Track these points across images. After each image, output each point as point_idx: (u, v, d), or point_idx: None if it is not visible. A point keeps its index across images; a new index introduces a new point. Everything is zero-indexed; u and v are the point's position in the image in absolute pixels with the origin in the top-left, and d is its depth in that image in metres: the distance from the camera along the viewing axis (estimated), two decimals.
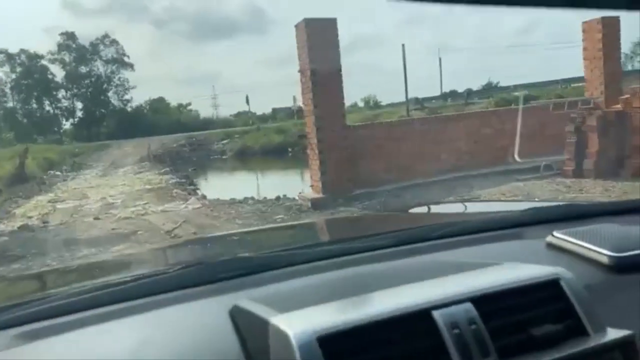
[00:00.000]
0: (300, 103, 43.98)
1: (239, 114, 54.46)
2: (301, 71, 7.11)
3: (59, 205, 10.93)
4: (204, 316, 0.77)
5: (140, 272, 1.03)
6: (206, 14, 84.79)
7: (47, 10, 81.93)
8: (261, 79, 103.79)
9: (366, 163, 7.26)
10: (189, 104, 54.42)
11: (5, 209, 11.47)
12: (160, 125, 42.88)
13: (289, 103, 42.85)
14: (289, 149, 28.87)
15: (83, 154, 29.47)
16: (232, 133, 33.85)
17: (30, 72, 45.83)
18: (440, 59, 54.40)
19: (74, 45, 46.76)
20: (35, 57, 45.98)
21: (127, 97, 49.36)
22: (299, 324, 0.63)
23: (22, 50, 45.62)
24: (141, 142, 31.04)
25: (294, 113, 42.95)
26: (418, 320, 0.65)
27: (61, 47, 46.58)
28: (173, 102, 53.09)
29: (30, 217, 9.46)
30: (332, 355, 0.60)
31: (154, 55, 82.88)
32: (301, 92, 7.26)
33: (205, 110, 56.86)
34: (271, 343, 0.64)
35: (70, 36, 46.76)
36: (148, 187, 13.52)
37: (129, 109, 48.99)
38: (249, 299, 0.75)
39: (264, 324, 0.66)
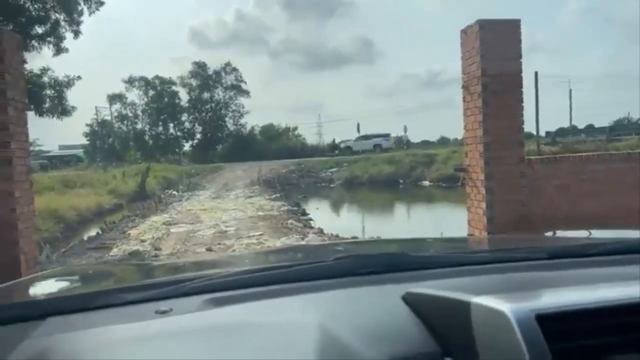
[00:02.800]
0: (405, 132, 42.34)
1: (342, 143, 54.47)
2: (465, 87, 5.63)
3: (172, 229, 10.46)
4: (378, 300, 0.85)
5: (306, 260, 1.24)
6: (318, 45, 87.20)
7: (176, 41, 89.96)
8: (363, 109, 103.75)
9: (545, 208, 5.52)
10: (296, 128, 55.35)
11: (122, 228, 11.32)
12: (269, 150, 43.79)
13: (391, 133, 41.66)
14: (400, 181, 27.34)
15: (198, 175, 30.50)
16: (341, 162, 33.10)
17: (161, 96, 49.70)
18: (570, 91, 48.96)
19: (202, 73, 50.01)
20: (167, 83, 49.85)
21: (241, 122, 51.46)
22: (512, 303, 0.64)
23: (157, 77, 49.78)
24: (252, 166, 31.48)
25: (404, 143, 41.62)
26: (631, 313, 0.65)
27: (192, 74, 50.09)
28: (282, 128, 54.37)
29: (143, 241, 8.97)
30: (550, 335, 0.60)
31: (267, 83, 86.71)
32: (463, 114, 5.75)
33: (311, 138, 57.36)
34: (475, 322, 0.66)
35: (200, 65, 50.19)
36: (261, 213, 12.79)
37: (242, 134, 50.91)
38: (422, 288, 0.82)
39: (460, 305, 0.68)
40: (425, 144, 46.63)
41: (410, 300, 0.79)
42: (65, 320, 0.82)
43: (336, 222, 13.41)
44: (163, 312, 0.81)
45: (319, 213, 15.04)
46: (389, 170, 28.16)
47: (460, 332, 0.67)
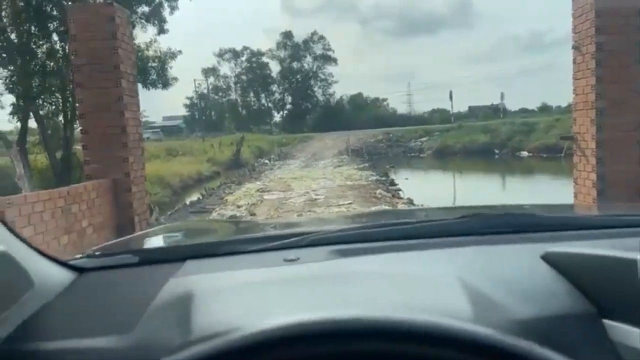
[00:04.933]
0: (502, 100, 39.55)
1: (434, 112, 52.55)
2: (576, 47, 5.12)
3: (265, 196, 10.90)
4: (515, 258, 0.83)
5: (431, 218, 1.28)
6: (410, 10, 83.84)
7: (268, 11, 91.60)
8: (457, 76, 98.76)
9: None
10: (385, 99, 54.45)
11: (220, 194, 12.02)
12: (358, 119, 43.59)
13: (486, 101, 39.28)
14: (496, 151, 25.95)
15: (288, 145, 31.32)
16: (431, 131, 32.12)
17: (252, 68, 51.29)
18: None
19: (289, 43, 50.70)
20: (257, 54, 51.27)
21: (330, 91, 51.63)
22: None
23: (245, 48, 51.31)
24: (340, 136, 31.63)
25: (501, 111, 39.25)
26: None
27: (279, 45, 51.02)
28: (370, 97, 53.74)
29: (239, 207, 9.46)
30: None
31: (356, 51, 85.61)
32: (572, 77, 5.25)
33: (400, 107, 56.13)
34: None
35: (287, 35, 50.89)
36: (349, 183, 12.87)
37: (331, 103, 51.15)
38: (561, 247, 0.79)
39: (623, 263, 0.65)
40: (524, 112, 43.66)
41: (553, 260, 0.77)
42: (201, 263, 0.89)
43: (426, 192, 13.11)
44: (291, 260, 0.85)
45: (408, 183, 14.80)
46: (484, 140, 26.83)
47: (622, 293, 0.65)
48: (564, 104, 34.13)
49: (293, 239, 0.95)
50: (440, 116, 45.80)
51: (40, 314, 0.72)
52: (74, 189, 4.36)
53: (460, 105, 53.47)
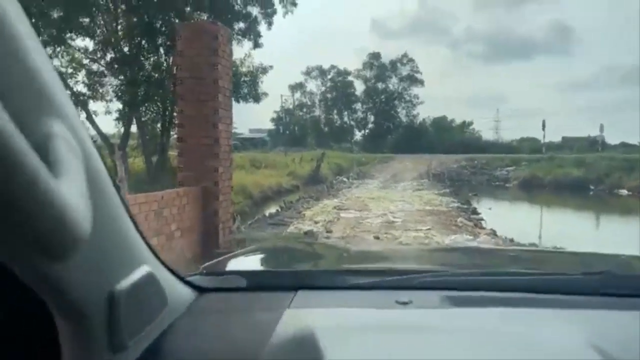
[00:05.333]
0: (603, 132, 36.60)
1: (523, 140, 50.04)
2: None
3: (342, 214, 10.91)
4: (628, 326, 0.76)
5: (546, 270, 1.16)
6: (504, 34, 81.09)
7: (358, 32, 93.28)
8: (551, 104, 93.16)
9: None
10: (471, 123, 52.70)
11: (298, 208, 12.22)
12: (441, 143, 42.64)
13: (582, 132, 36.64)
14: (591, 187, 24.05)
15: (368, 164, 31.26)
16: (519, 160, 30.57)
17: (337, 86, 52.17)
18: None
19: (376, 64, 51.05)
20: (343, 73, 52.13)
21: (414, 112, 51.06)
22: None
23: (332, 66, 52.35)
24: (421, 158, 31.05)
25: (599, 144, 36.44)
26: None
27: (366, 65, 51.56)
28: (456, 121, 52.36)
29: (316, 223, 9.54)
30: None
31: (444, 73, 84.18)
32: None
33: (486, 133, 53.91)
34: None
35: (375, 56, 51.34)
36: (428, 208, 12.54)
37: (414, 125, 50.52)
38: None
39: None
40: (625, 146, 40.23)
41: None
42: (313, 295, 0.89)
43: (511, 224, 12.41)
44: (404, 304, 0.83)
45: (491, 213, 14.11)
46: (578, 174, 25.01)
47: None
48: None
49: (404, 277, 0.93)
50: (530, 145, 43.52)
51: (170, 332, 0.74)
52: (168, 194, 4.64)
53: (553, 136, 50.43)
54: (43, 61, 0.44)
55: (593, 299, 0.87)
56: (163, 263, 0.80)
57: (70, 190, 0.42)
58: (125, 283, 0.61)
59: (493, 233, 9.33)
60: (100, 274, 0.57)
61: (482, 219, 11.96)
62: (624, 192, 22.54)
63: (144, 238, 0.74)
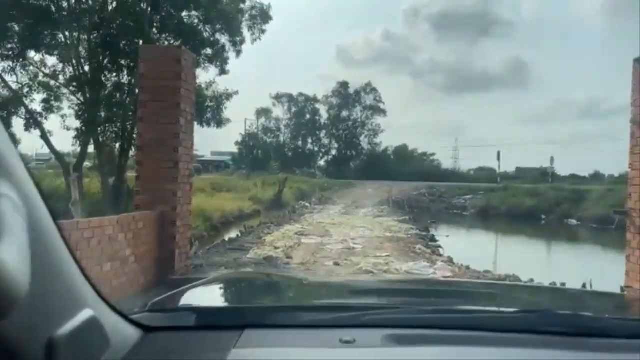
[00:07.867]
0: (553, 164, 38.11)
1: (480, 170, 51.69)
2: (635, 122, 4.99)
3: (303, 240, 10.90)
4: None
5: (483, 307, 1.21)
6: (465, 66, 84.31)
7: (323, 59, 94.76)
8: (507, 135, 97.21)
9: None
10: (433, 153, 54.09)
11: (258, 234, 12.12)
12: (401, 171, 43.44)
13: (534, 164, 38.28)
14: (543, 216, 25.05)
15: (330, 190, 31.45)
16: (476, 189, 31.52)
17: (303, 113, 52.67)
18: None
19: (343, 92, 51.97)
20: (310, 100, 52.73)
21: (376, 141, 52.02)
22: None
23: (301, 94, 52.92)
24: (382, 185, 31.50)
25: (549, 175, 38.14)
26: None
27: (334, 93, 52.41)
28: (417, 151, 53.65)
29: (277, 248, 9.48)
30: None
31: (406, 103, 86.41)
32: (630, 151, 5.09)
33: (446, 162, 55.45)
34: None
35: (343, 85, 52.31)
36: (388, 234, 12.70)
37: (375, 153, 51.42)
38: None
39: None
40: (574, 177, 42.24)
41: None
42: (259, 334, 0.90)
43: (467, 252, 12.73)
44: (347, 342, 0.84)
45: (449, 241, 14.44)
46: (531, 204, 26.01)
47: None
48: (616, 173, 32.82)
49: (351, 315, 0.95)
50: (486, 175, 44.97)
51: None
52: (124, 218, 4.54)
53: (507, 166, 52.08)
54: None
55: (531, 337, 0.89)
56: (108, 303, 0.79)
57: (10, 250, 0.43)
58: (66, 329, 0.61)
59: (450, 260, 9.53)
60: (39, 323, 0.57)
61: (439, 246, 12.20)
62: (573, 221, 23.57)
63: (88, 279, 0.74)
